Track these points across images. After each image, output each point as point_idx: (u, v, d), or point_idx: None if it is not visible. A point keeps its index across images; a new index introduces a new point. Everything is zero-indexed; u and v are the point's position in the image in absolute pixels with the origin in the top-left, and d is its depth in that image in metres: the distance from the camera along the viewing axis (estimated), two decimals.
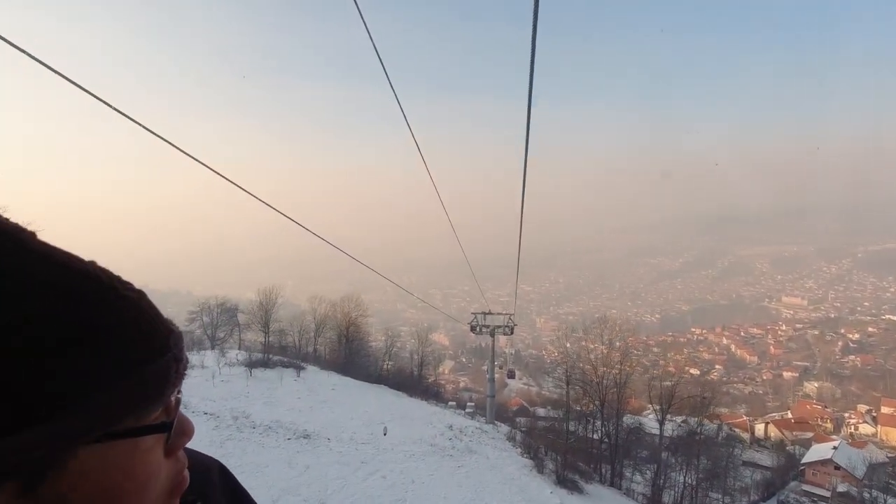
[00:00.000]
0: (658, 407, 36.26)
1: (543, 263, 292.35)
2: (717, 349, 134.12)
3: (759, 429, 62.75)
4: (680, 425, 38.46)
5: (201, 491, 0.68)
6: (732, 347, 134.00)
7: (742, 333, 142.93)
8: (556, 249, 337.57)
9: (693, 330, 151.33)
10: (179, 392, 0.56)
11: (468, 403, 42.34)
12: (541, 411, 50.58)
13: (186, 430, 0.58)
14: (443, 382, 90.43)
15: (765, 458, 46.89)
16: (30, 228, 0.49)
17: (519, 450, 24.08)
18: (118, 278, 0.52)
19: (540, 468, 21.78)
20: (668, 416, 35.75)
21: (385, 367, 43.36)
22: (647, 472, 31.98)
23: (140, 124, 3.79)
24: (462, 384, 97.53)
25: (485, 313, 34.34)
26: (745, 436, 51.90)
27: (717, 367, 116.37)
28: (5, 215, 0.48)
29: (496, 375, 38.67)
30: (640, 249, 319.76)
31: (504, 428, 31.80)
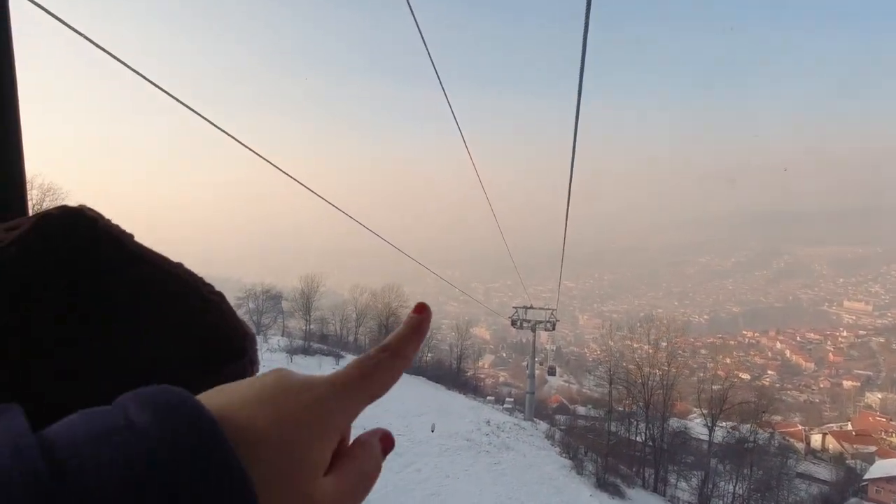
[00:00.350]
0: (705, 411, 34.67)
1: (588, 260, 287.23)
2: (770, 354, 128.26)
3: (816, 440, 59.29)
4: (729, 432, 36.78)
5: None
6: (787, 352, 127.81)
7: (798, 338, 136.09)
8: (602, 246, 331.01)
9: (744, 333, 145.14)
10: None
11: (507, 399, 41.79)
12: (581, 410, 49.30)
13: None
14: (482, 376, 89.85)
15: (822, 472, 44.05)
16: (128, 231, 0.51)
17: (558, 449, 23.47)
18: (202, 280, 0.54)
19: (579, 469, 21.12)
20: (717, 422, 34.14)
21: (424, 358, 43.27)
22: (693, 479, 30.52)
23: (195, 110, 4.04)
24: (501, 379, 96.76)
25: (526, 307, 33.58)
26: (800, 446, 49.10)
27: (769, 372, 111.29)
28: (104, 215, 0.50)
29: (536, 372, 37.83)
30: (690, 247, 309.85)
31: (543, 425, 31.11)
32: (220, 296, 0.54)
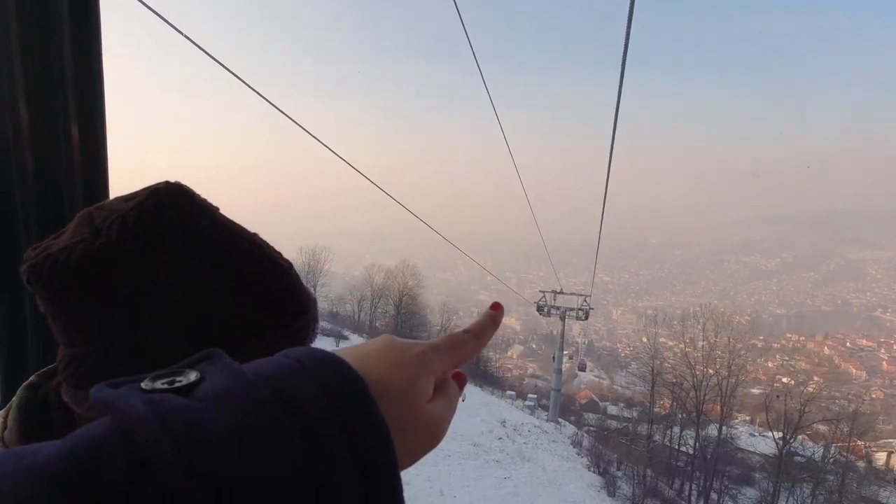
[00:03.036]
0: (748, 417, 30.54)
1: (624, 253, 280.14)
2: (816, 360, 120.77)
3: (880, 457, 53.62)
4: (779, 442, 32.64)
5: None
6: (836, 359, 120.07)
7: (848, 344, 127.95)
8: (640, 240, 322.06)
9: (788, 336, 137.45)
10: None
11: (530, 395, 37.47)
12: (612, 409, 45.54)
13: None
14: (510, 367, 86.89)
15: (893, 497, 39.04)
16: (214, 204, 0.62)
17: (585, 460, 19.39)
18: (273, 248, 0.64)
19: (611, 489, 17.16)
20: (760, 430, 29.93)
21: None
22: (740, 495, 26.55)
23: (252, 88, 4.32)
24: (530, 370, 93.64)
25: (555, 292, 29.88)
26: (860, 465, 44.11)
27: (815, 378, 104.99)
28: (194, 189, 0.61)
29: (566, 365, 34.07)
30: (733, 246, 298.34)
31: (569, 428, 27.42)
32: (289, 263, 0.65)
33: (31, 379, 0.65)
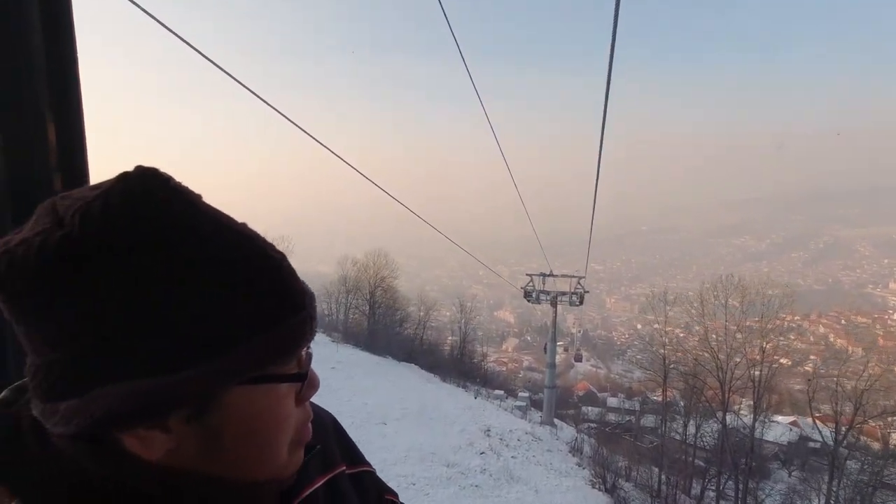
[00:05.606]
0: (751, 402, 27.84)
1: (615, 241, 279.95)
2: (812, 338, 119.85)
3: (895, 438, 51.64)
4: (791, 428, 30.64)
5: (320, 438, 0.75)
6: (831, 336, 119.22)
7: (843, 321, 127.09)
8: (629, 227, 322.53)
9: (783, 316, 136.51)
10: (310, 348, 0.62)
11: (520, 394, 33.36)
12: (612, 400, 43.39)
13: (315, 384, 0.63)
14: (505, 361, 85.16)
15: None
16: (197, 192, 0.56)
17: (588, 472, 16.15)
18: (265, 239, 0.58)
19: None
20: (767, 415, 27.20)
21: (420, 340, 36.55)
22: (761, 493, 23.63)
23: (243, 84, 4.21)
24: (525, 363, 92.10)
25: (544, 274, 26.68)
26: (875, 446, 42.24)
27: (811, 357, 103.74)
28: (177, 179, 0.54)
29: (560, 356, 31.59)
30: (722, 229, 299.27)
31: (566, 431, 24.34)
32: (282, 255, 0.59)
33: (2, 394, 0.60)
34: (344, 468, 0.83)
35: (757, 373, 24.81)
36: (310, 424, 0.65)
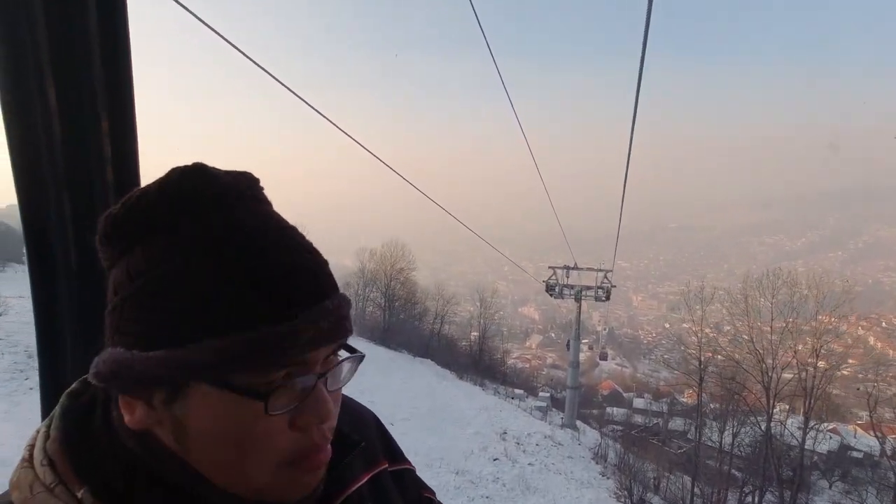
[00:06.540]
0: (786, 406, 25.89)
1: (641, 238, 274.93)
2: (850, 341, 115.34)
3: None
4: (830, 436, 28.99)
5: (364, 435, 0.76)
6: (871, 340, 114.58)
7: (884, 324, 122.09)
8: (658, 223, 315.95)
9: (820, 318, 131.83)
10: (326, 374, 0.56)
11: (541, 393, 31.65)
12: (638, 402, 41.84)
13: (319, 413, 0.56)
14: (528, 357, 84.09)
15: None
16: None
17: (612, 483, 14.55)
18: (296, 230, 0.57)
19: None
20: (818, 425, 25.40)
21: (437, 335, 35.33)
22: None
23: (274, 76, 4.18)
24: (549, 360, 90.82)
25: (568, 267, 25.23)
26: None
27: (850, 361, 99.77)
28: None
29: (584, 355, 30.44)
30: (756, 227, 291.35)
31: (589, 435, 22.55)
32: (308, 259, 0.56)
33: (73, 386, 0.61)
34: (386, 465, 0.84)
35: (808, 378, 22.66)
36: (326, 451, 0.58)
